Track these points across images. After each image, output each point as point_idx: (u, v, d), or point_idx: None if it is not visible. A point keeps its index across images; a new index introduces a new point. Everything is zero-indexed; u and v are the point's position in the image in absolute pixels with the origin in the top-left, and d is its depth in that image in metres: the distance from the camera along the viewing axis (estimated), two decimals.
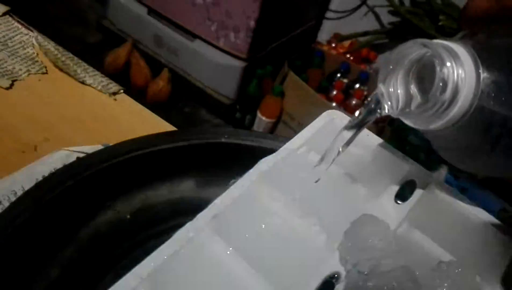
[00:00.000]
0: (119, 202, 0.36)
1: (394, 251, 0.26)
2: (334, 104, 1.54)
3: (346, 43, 1.70)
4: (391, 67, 0.29)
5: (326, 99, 1.53)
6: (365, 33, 1.64)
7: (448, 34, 1.42)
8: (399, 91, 0.29)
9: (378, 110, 0.30)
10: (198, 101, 1.66)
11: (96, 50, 1.67)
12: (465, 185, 1.32)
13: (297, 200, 0.33)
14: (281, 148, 0.36)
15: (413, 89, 0.29)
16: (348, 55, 1.67)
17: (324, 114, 0.40)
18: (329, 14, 1.76)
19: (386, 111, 0.30)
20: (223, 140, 0.39)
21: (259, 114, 1.58)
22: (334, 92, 1.59)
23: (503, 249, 0.33)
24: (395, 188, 0.36)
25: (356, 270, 0.27)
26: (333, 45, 1.70)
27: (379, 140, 0.39)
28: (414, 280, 0.25)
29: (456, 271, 0.28)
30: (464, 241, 0.34)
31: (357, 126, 0.32)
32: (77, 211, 0.34)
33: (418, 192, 0.35)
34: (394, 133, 1.52)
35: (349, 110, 1.52)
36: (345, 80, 1.63)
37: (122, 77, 1.58)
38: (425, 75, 0.29)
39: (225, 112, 1.62)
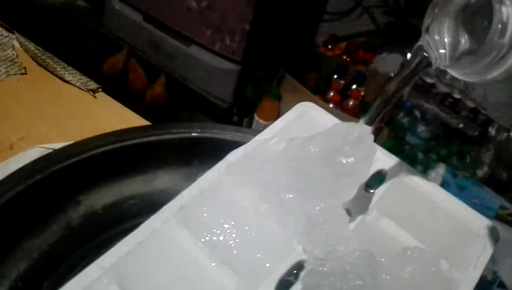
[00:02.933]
0: (91, 197, 0.36)
1: (351, 237, 0.26)
2: (331, 105, 1.54)
3: (342, 45, 1.70)
4: (436, 11, 0.27)
5: (323, 100, 1.52)
6: (361, 34, 1.64)
7: None
8: (446, 39, 0.27)
9: (424, 61, 0.28)
10: (195, 105, 1.66)
11: (94, 57, 1.68)
12: (463, 182, 1.31)
13: (265, 189, 0.33)
14: (251, 140, 0.36)
15: (463, 35, 0.26)
16: (344, 56, 1.67)
17: (297, 105, 0.40)
18: (325, 16, 1.76)
19: (434, 60, 0.27)
20: (195, 134, 0.39)
21: (256, 117, 1.58)
22: (331, 93, 1.59)
23: (472, 235, 0.33)
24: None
25: (313, 256, 0.26)
26: (330, 46, 1.70)
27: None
28: (370, 263, 0.25)
29: (420, 256, 0.28)
30: (432, 228, 0.34)
31: (401, 81, 0.29)
32: (47, 205, 0.34)
33: (388, 181, 0.35)
34: (391, 133, 1.52)
35: (347, 111, 1.52)
36: (342, 81, 1.63)
37: (119, 83, 1.59)
38: (475, 21, 0.26)
39: (222, 116, 1.62)
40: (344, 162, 0.29)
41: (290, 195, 0.30)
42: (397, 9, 1.52)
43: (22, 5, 1.80)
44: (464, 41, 0.26)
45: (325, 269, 0.25)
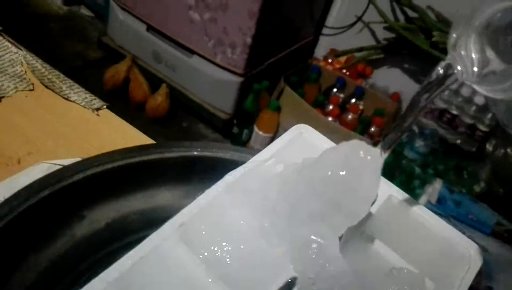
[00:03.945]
0: (94, 212, 0.38)
1: (340, 257, 0.28)
2: (330, 119, 1.56)
3: (342, 59, 1.72)
4: (461, 27, 0.27)
5: (322, 114, 1.55)
6: (360, 49, 1.66)
7: (442, 50, 1.44)
8: (473, 55, 0.26)
9: (450, 77, 0.27)
10: (196, 116, 1.68)
11: (97, 66, 1.70)
12: (459, 198, 1.33)
13: (260, 209, 0.34)
14: (249, 160, 0.38)
15: (489, 51, 0.26)
16: (344, 71, 1.69)
17: (293, 128, 0.42)
18: (325, 30, 1.79)
19: (460, 75, 0.27)
20: (195, 153, 0.41)
21: (256, 129, 1.60)
22: (330, 107, 1.61)
23: (457, 256, 0.35)
24: None
25: (304, 275, 0.28)
26: (330, 60, 1.73)
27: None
28: (357, 283, 0.27)
29: (406, 276, 0.30)
30: (419, 249, 0.35)
31: (426, 97, 0.29)
32: (53, 219, 0.36)
33: (377, 202, 0.37)
34: None
35: (345, 125, 1.54)
36: (341, 95, 1.65)
37: (121, 92, 1.62)
38: (499, 38, 0.26)
39: (222, 127, 1.65)
40: (352, 183, 0.30)
41: (284, 217, 0.31)
42: (396, 26, 1.54)
43: (25, 14, 1.83)
44: (491, 58, 0.26)
45: (315, 288, 0.26)
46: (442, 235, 0.36)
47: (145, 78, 1.63)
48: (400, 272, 0.31)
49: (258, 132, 1.59)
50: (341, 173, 0.31)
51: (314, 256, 0.28)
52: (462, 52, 0.27)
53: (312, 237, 0.28)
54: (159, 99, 1.58)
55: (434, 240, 0.36)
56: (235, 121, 1.64)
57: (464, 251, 0.35)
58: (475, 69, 0.26)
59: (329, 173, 0.31)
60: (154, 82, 1.63)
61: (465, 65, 0.27)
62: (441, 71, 0.28)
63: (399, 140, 0.31)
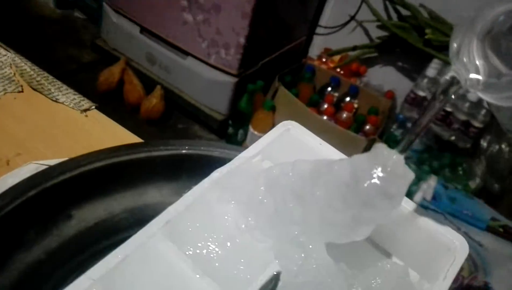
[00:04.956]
0: (82, 211, 0.38)
1: (322, 249, 0.28)
2: (325, 118, 1.56)
3: (336, 58, 1.73)
4: (461, 34, 0.26)
5: (317, 113, 1.55)
6: (354, 48, 1.66)
7: (435, 47, 1.45)
8: (477, 61, 0.26)
9: (456, 85, 0.27)
10: (191, 117, 1.68)
11: (91, 69, 1.70)
12: (454, 195, 1.33)
13: (246, 205, 0.35)
14: (236, 157, 0.38)
15: (493, 58, 0.26)
16: (338, 69, 1.70)
17: (280, 124, 0.42)
18: (319, 30, 1.79)
19: (464, 83, 0.26)
20: (183, 151, 0.41)
21: (251, 129, 1.60)
22: (325, 106, 1.61)
23: (442, 248, 0.35)
24: None
25: (288, 268, 0.28)
26: (324, 59, 1.73)
27: (330, 148, 0.41)
28: (342, 275, 0.27)
29: (391, 268, 0.30)
30: (405, 241, 0.35)
31: (437, 105, 0.28)
32: (41, 218, 0.36)
33: None
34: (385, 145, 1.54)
35: (340, 123, 1.54)
36: (336, 94, 1.65)
37: (115, 95, 1.62)
38: (501, 42, 0.25)
39: (218, 128, 1.65)
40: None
41: (269, 214, 0.32)
42: (389, 24, 1.55)
43: (19, 17, 1.83)
44: (495, 64, 0.26)
45: (298, 280, 0.27)
46: (427, 228, 0.36)
47: (140, 80, 1.63)
48: (385, 264, 0.31)
49: (253, 132, 1.59)
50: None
51: (296, 248, 0.28)
52: (465, 59, 0.26)
53: (296, 232, 0.29)
54: (154, 101, 1.58)
55: (420, 233, 0.36)
56: (230, 122, 1.64)
57: (449, 243, 0.35)
58: (480, 77, 0.26)
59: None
60: (149, 84, 1.63)
61: (469, 72, 0.26)
62: (447, 80, 0.27)
63: (413, 143, 0.31)
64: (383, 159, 0.29)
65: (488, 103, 0.27)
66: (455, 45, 0.27)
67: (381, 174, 0.29)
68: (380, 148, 0.30)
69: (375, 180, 0.29)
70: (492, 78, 0.25)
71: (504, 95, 0.25)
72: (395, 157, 0.30)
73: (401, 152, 0.30)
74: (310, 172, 0.33)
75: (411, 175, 0.30)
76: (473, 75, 0.26)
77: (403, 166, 0.30)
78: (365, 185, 0.28)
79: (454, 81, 0.27)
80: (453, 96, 0.28)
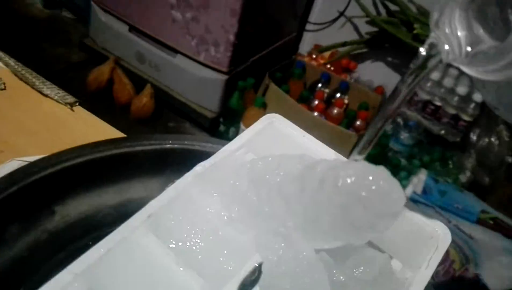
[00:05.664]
0: (66, 206, 0.38)
1: (300, 238, 0.28)
2: (315, 114, 1.57)
3: (326, 54, 1.73)
4: (443, 3, 0.24)
5: (307, 109, 1.55)
6: (344, 44, 1.67)
7: (424, 42, 1.45)
8: (459, 32, 0.24)
9: (434, 58, 0.25)
10: (182, 115, 1.68)
11: (80, 69, 1.70)
12: (444, 188, 1.34)
13: (229, 197, 0.34)
14: (219, 150, 0.38)
15: (477, 28, 0.24)
16: (328, 66, 1.70)
17: (264, 117, 0.42)
18: (308, 26, 1.80)
19: (447, 55, 0.24)
20: (167, 145, 0.41)
21: (242, 126, 1.60)
22: (316, 102, 1.62)
23: (425, 237, 0.35)
24: None
25: (268, 259, 0.28)
26: (314, 56, 1.73)
27: (313, 140, 0.41)
28: (321, 264, 0.27)
29: (373, 257, 0.30)
30: (390, 232, 0.36)
31: (412, 81, 0.27)
32: (23, 214, 0.36)
33: None
34: None
35: (331, 119, 1.55)
36: (326, 90, 1.66)
37: (105, 94, 1.61)
38: (487, 10, 0.24)
39: (209, 125, 1.65)
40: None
41: (251, 208, 0.32)
42: (378, 20, 1.55)
43: (6, 16, 1.82)
44: (480, 35, 0.24)
45: (280, 270, 0.27)
46: (410, 218, 0.36)
47: (129, 79, 1.63)
48: (368, 253, 0.31)
49: (244, 129, 1.59)
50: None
51: (277, 238, 0.28)
52: (447, 30, 0.24)
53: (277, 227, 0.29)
54: (144, 100, 1.58)
55: (402, 222, 0.36)
56: (221, 119, 1.64)
57: (432, 231, 0.36)
58: (463, 48, 0.24)
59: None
60: (138, 82, 1.63)
61: (451, 44, 0.24)
62: (424, 52, 0.25)
63: (382, 130, 0.29)
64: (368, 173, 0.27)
65: (473, 80, 0.25)
66: (435, 15, 0.25)
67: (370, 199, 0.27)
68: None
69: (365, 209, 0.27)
70: (476, 49, 0.24)
71: (490, 68, 0.23)
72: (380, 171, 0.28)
73: (360, 153, 0.30)
74: (297, 176, 0.32)
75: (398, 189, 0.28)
76: (456, 46, 0.24)
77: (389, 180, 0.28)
78: (356, 215, 0.27)
79: (433, 54, 0.25)
80: (431, 71, 0.26)
